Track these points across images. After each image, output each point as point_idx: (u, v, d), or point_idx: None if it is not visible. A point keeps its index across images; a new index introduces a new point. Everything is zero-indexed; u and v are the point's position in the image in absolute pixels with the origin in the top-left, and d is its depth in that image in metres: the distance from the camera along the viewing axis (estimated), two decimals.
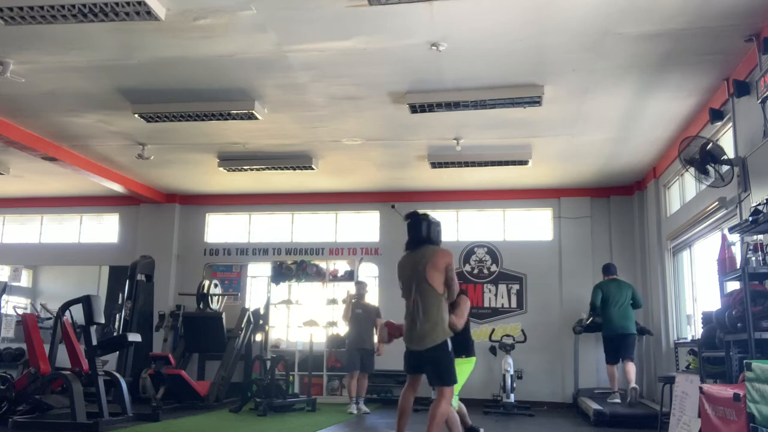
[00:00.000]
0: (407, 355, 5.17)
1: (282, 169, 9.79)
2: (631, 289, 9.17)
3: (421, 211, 5.32)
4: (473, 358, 5.93)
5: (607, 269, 9.43)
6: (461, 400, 5.97)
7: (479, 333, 10.64)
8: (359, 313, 9.40)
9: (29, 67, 6.56)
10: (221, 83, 6.94)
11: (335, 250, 11.66)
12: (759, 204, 4.99)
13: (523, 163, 9.27)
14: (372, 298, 11.37)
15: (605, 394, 9.06)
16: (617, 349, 8.85)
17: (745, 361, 3.89)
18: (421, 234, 5.20)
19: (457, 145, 8.60)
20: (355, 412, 9.02)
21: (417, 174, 10.34)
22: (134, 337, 8.13)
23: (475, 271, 11.14)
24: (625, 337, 8.83)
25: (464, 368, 5.71)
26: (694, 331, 8.07)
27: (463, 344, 5.73)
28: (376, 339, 9.31)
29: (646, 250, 10.15)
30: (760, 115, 5.49)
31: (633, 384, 8.46)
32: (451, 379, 4.95)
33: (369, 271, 11.49)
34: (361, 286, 9.77)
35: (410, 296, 5.11)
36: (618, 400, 8.43)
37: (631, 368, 8.68)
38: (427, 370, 5.03)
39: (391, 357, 10.87)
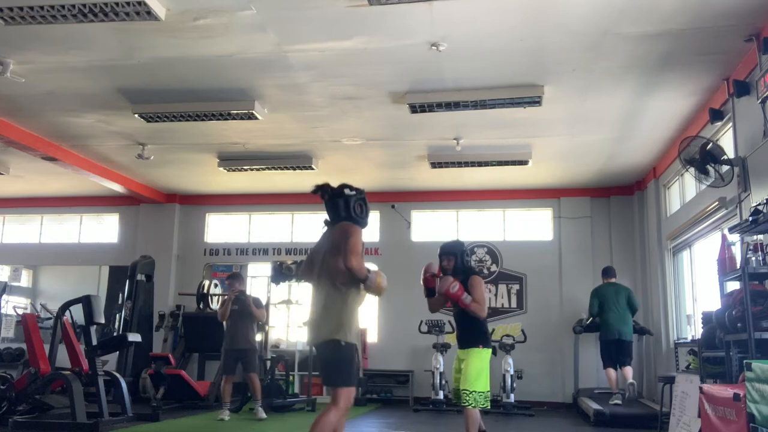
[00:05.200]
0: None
1: (282, 169, 9.79)
2: (628, 292, 9.10)
3: (337, 184, 4.45)
4: (490, 349, 5.38)
5: (606, 272, 9.39)
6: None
7: None
8: (235, 310, 8.23)
9: (29, 67, 6.56)
10: (221, 83, 6.94)
11: None
12: (759, 204, 4.99)
13: (523, 163, 9.27)
14: (371, 298, 11.38)
15: (605, 394, 9.06)
16: (615, 354, 8.83)
17: (745, 361, 3.89)
18: (338, 211, 4.35)
19: (457, 145, 8.60)
20: (226, 418, 7.92)
21: (417, 174, 10.34)
22: (134, 337, 8.12)
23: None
24: (621, 344, 8.81)
25: (485, 359, 5.29)
26: (694, 331, 8.07)
27: (484, 333, 5.35)
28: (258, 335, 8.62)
29: (646, 250, 10.15)
30: (760, 115, 5.49)
31: (630, 380, 8.49)
32: (342, 379, 4.04)
33: None
34: (235, 280, 8.57)
35: (312, 280, 4.33)
36: (619, 401, 8.42)
37: (629, 370, 8.72)
38: (319, 368, 4.24)
39: (391, 357, 10.94)
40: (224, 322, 8.33)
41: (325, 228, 4.48)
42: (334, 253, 4.16)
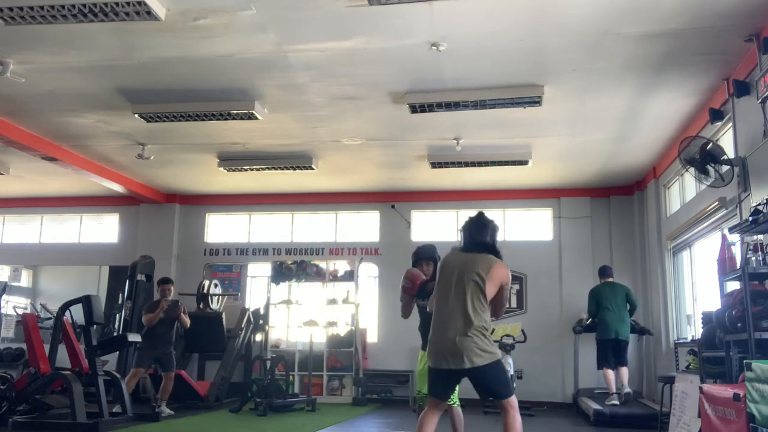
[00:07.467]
0: (434, 374, 4.30)
1: (282, 169, 9.79)
2: (626, 291, 9.11)
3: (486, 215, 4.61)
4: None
5: (603, 272, 9.38)
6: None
7: None
8: (161, 318, 8.46)
9: (29, 67, 6.56)
10: (221, 83, 6.94)
11: (335, 250, 11.66)
12: (759, 204, 5.00)
13: (523, 163, 9.27)
14: (371, 298, 11.40)
15: (605, 394, 9.05)
16: (611, 354, 8.83)
17: (745, 361, 3.90)
18: (485, 239, 4.44)
19: (457, 145, 8.60)
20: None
21: (417, 174, 10.34)
22: (134, 337, 8.13)
23: None
24: (618, 343, 8.81)
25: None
26: (694, 331, 8.07)
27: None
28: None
29: (646, 250, 10.14)
30: (760, 115, 5.49)
31: (627, 389, 8.53)
32: (510, 390, 4.30)
33: (369, 271, 11.50)
34: (168, 286, 8.75)
35: (448, 299, 4.26)
36: (617, 402, 8.43)
37: (625, 372, 8.71)
38: (479, 389, 4.31)
39: (391, 357, 10.93)
40: (145, 325, 8.43)
41: (459, 251, 4.49)
42: (488, 284, 4.23)
